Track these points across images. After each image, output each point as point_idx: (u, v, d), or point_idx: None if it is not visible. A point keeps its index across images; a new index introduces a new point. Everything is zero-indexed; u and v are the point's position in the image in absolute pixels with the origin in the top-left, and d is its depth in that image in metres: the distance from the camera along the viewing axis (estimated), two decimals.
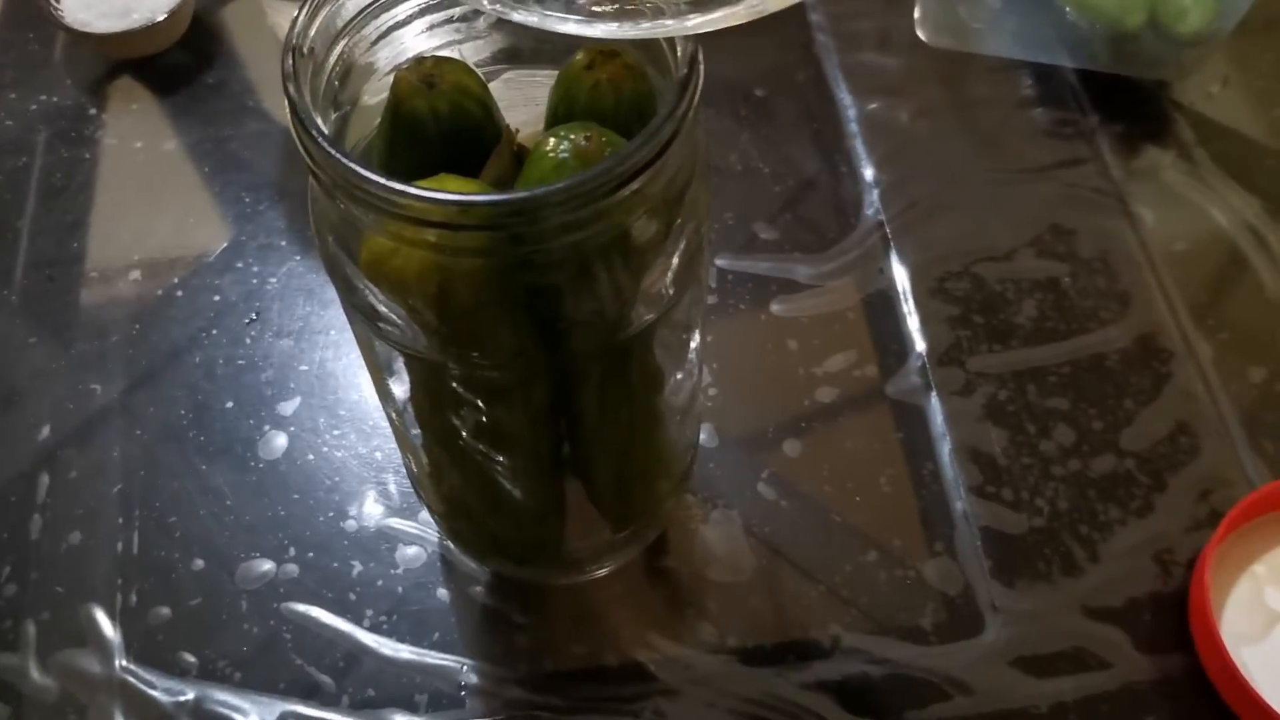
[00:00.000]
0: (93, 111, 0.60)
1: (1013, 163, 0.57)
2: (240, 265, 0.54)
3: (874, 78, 0.60)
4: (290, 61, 0.26)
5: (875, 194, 0.56)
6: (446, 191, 0.25)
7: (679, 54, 0.27)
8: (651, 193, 0.27)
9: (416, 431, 0.37)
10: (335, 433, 0.49)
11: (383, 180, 0.24)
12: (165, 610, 0.45)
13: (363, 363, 0.50)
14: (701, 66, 0.27)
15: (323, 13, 0.28)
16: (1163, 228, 0.55)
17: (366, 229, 0.27)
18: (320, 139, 0.25)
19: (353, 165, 0.25)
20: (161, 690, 0.43)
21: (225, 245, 0.54)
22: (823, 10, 0.63)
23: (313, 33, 0.28)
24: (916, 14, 0.61)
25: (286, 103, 0.26)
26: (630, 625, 0.44)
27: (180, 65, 0.61)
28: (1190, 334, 0.51)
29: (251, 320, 0.52)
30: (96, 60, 0.61)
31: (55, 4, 0.59)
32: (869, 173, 0.57)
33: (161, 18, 0.58)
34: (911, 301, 0.52)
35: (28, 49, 0.63)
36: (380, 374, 0.36)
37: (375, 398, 0.50)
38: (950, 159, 0.57)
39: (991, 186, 0.56)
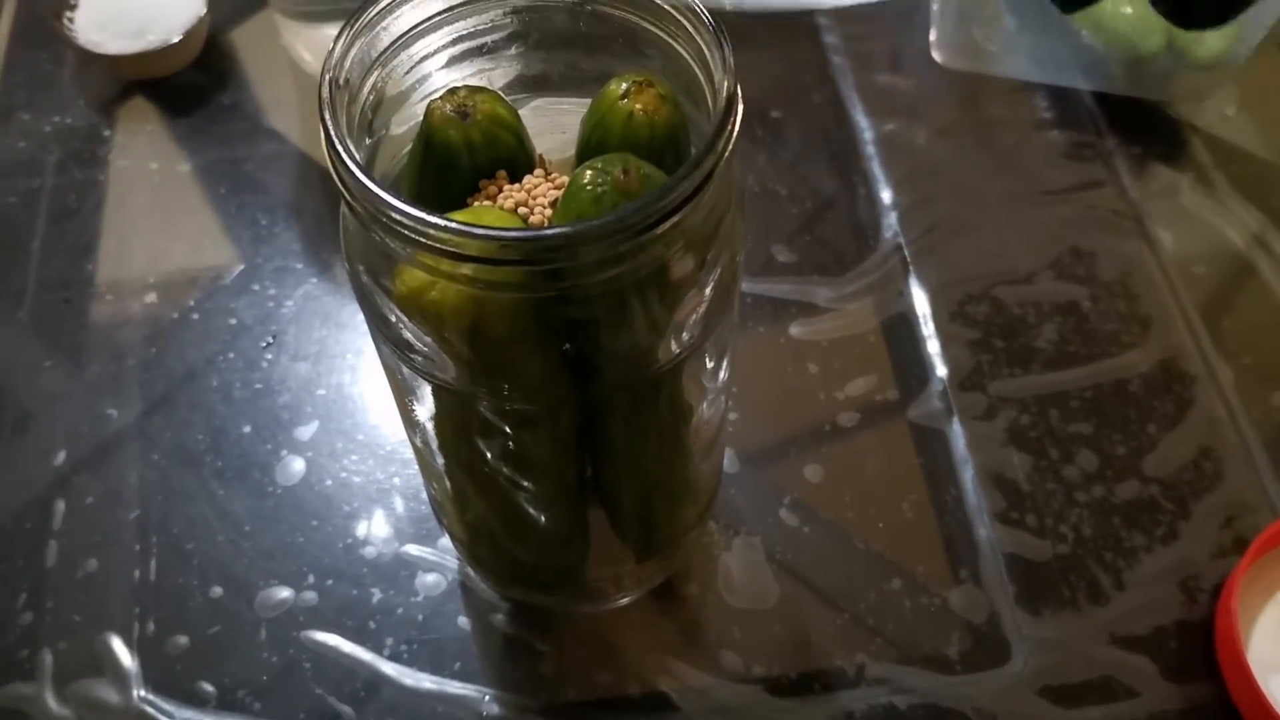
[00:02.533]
0: (106, 132, 0.59)
1: (1031, 185, 0.57)
2: (256, 288, 0.54)
3: (890, 99, 0.60)
4: (327, 92, 0.26)
5: (893, 216, 0.56)
6: (486, 226, 0.24)
7: (717, 86, 0.27)
8: (691, 226, 0.27)
9: (441, 459, 0.37)
10: (353, 458, 0.49)
11: (421, 214, 0.24)
12: (183, 639, 0.44)
13: (380, 387, 0.50)
14: (740, 100, 0.27)
15: (359, 43, 0.28)
16: (1182, 250, 0.54)
17: (401, 261, 0.27)
18: (357, 170, 0.25)
19: (391, 198, 0.25)
20: None
21: (241, 267, 0.54)
22: (838, 31, 0.63)
23: (348, 63, 0.27)
24: (932, 35, 0.61)
25: (323, 134, 0.26)
26: (653, 654, 0.44)
27: (194, 86, 0.61)
28: (1211, 358, 0.51)
29: (268, 344, 0.52)
30: (109, 80, 0.61)
31: (68, 24, 0.59)
32: (887, 194, 0.56)
33: (176, 39, 0.58)
34: (932, 325, 0.52)
35: (40, 69, 0.62)
36: (406, 401, 0.35)
37: (393, 423, 0.49)
38: (968, 181, 0.57)
39: (1010, 209, 0.56)
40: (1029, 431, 0.49)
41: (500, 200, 0.29)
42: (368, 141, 0.31)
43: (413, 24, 0.30)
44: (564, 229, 0.24)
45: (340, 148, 0.25)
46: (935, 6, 0.61)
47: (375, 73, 0.29)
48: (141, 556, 0.46)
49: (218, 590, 0.45)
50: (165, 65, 0.60)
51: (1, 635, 0.44)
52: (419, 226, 0.24)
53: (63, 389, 0.51)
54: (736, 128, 0.26)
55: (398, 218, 0.24)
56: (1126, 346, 0.51)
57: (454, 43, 0.31)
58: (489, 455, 0.35)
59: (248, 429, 0.49)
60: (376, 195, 0.25)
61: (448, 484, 0.39)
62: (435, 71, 0.32)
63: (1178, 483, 0.48)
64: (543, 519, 0.38)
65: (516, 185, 0.29)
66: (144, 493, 0.48)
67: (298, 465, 0.48)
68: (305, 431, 0.49)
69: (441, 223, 0.24)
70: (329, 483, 0.48)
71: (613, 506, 0.38)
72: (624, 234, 0.25)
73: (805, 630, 0.44)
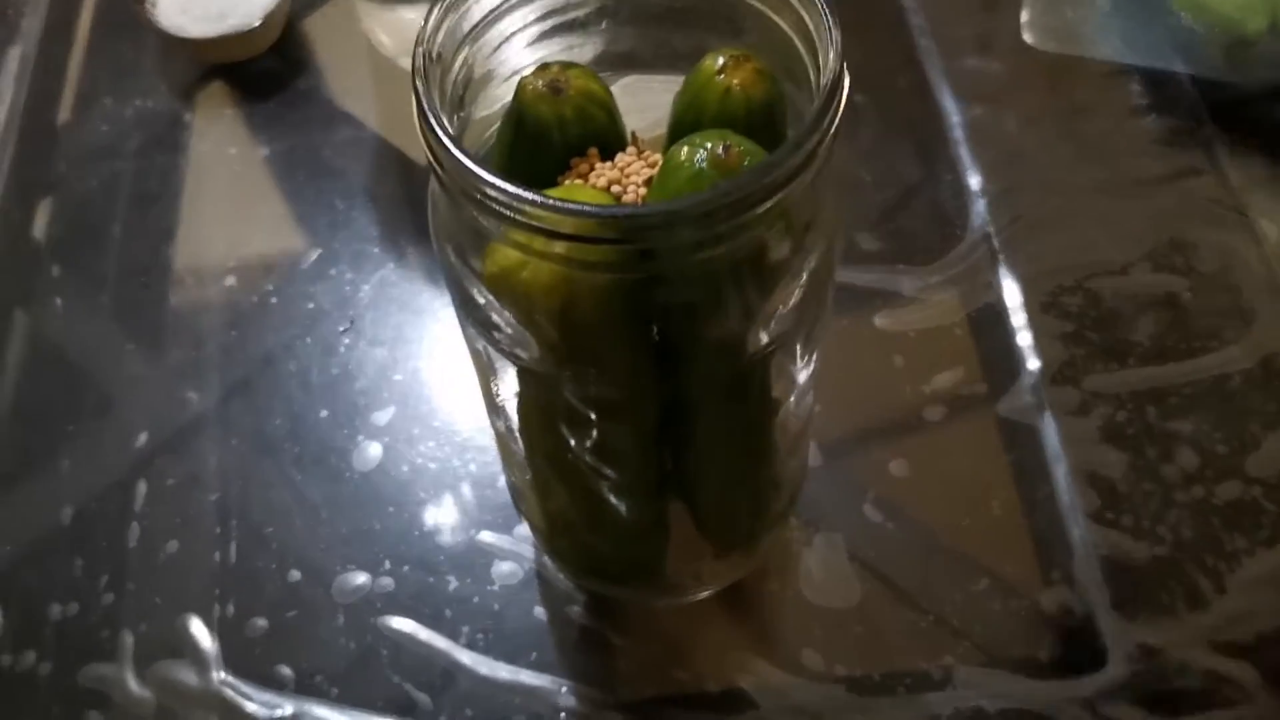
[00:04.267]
0: (186, 117, 0.60)
1: (1126, 173, 0.55)
2: (333, 273, 0.53)
3: (978, 83, 0.58)
4: (421, 62, 0.26)
5: (982, 204, 0.54)
6: (582, 203, 0.23)
7: (823, 61, 0.26)
8: (791, 208, 0.26)
9: (523, 446, 0.37)
10: (429, 444, 0.48)
11: (516, 189, 0.23)
12: (262, 622, 0.44)
13: (456, 373, 0.50)
14: (847, 76, 0.26)
15: (450, 17, 0.27)
16: None
17: (493, 239, 0.26)
18: (450, 144, 0.24)
19: (484, 173, 0.24)
20: (259, 703, 0.42)
21: (319, 252, 0.54)
22: (924, 14, 0.61)
23: (441, 37, 0.27)
24: (1023, 17, 0.59)
25: (415, 106, 0.25)
26: (732, 651, 0.43)
27: (273, 71, 0.61)
28: None
29: (345, 329, 0.52)
30: (189, 65, 0.61)
31: (150, 8, 0.59)
32: (975, 182, 0.55)
33: (256, 23, 0.58)
34: (1022, 317, 0.50)
35: (122, 53, 0.63)
36: (490, 385, 0.35)
37: (469, 409, 0.49)
38: (1060, 168, 0.55)
39: (1104, 197, 0.54)
40: (1125, 429, 0.47)
41: (592, 179, 0.28)
42: (455, 120, 0.30)
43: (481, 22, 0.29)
44: (663, 206, 0.23)
45: (434, 120, 0.25)
46: None
47: (466, 49, 0.29)
48: (221, 539, 0.46)
49: (295, 574, 0.45)
50: (245, 50, 0.60)
51: (83, 616, 0.44)
52: (513, 202, 0.23)
53: (143, 373, 0.51)
54: (843, 105, 0.25)
55: (491, 193, 0.24)
56: (1228, 341, 0.49)
57: (543, 18, 0.30)
58: (571, 443, 0.34)
59: (325, 414, 0.49)
60: (470, 170, 0.24)
61: (528, 472, 0.38)
62: (522, 50, 0.31)
63: None
64: (623, 510, 0.37)
65: (609, 163, 0.28)
66: (223, 476, 0.48)
67: (374, 451, 0.48)
68: (382, 417, 0.49)
69: (537, 198, 0.23)
70: (405, 469, 0.48)
71: (694, 500, 0.37)
72: (724, 212, 0.24)
73: (889, 630, 0.43)
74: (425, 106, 0.25)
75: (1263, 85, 0.56)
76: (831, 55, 0.25)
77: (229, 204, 0.57)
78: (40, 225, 0.56)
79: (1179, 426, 0.47)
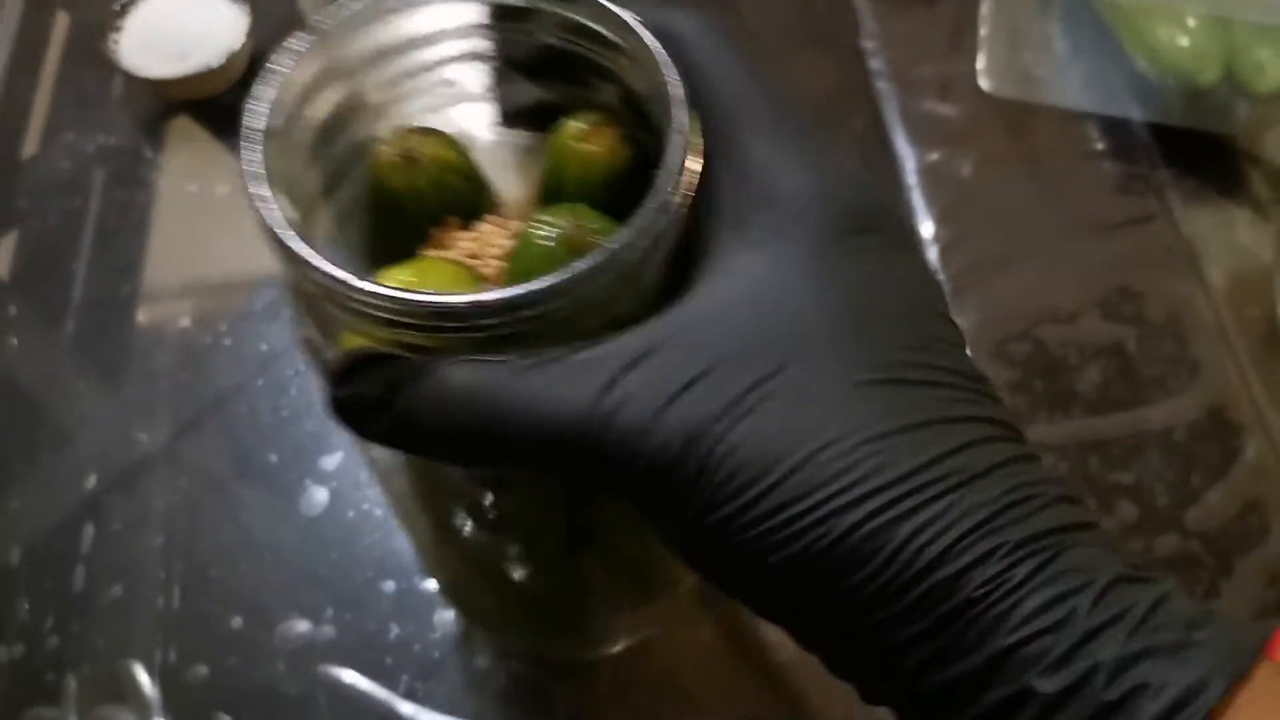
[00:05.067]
0: (149, 154, 0.60)
1: (1079, 219, 0.55)
2: (288, 313, 0.54)
3: (934, 127, 0.58)
4: (253, 153, 0.26)
5: (934, 250, 0.54)
6: (420, 291, 0.23)
7: (670, 146, 0.25)
8: (646, 277, 0.25)
9: (420, 518, 0.37)
10: (376, 489, 0.49)
11: (344, 277, 0.23)
12: (204, 669, 0.45)
13: None
14: (695, 159, 0.25)
15: (275, 85, 0.27)
16: (1236, 291, 0.52)
17: (342, 325, 0.26)
18: (285, 239, 0.24)
19: (314, 259, 0.24)
20: None
21: (274, 293, 0.55)
22: (881, 56, 0.61)
23: (269, 110, 0.27)
24: (980, 62, 0.59)
25: (250, 194, 0.25)
26: (669, 700, 0.43)
27: (236, 107, 0.61)
28: (1263, 407, 0.48)
29: (297, 372, 0.52)
30: (153, 102, 0.62)
31: (113, 46, 0.60)
32: (927, 227, 0.55)
33: (218, 63, 0.59)
34: None
35: (87, 88, 0.63)
36: (372, 462, 0.35)
37: None
38: (1013, 214, 0.55)
39: (1056, 244, 0.54)
40: (1067, 480, 0.47)
41: (452, 249, 0.28)
42: (336, 158, 0.30)
43: (362, 56, 0.29)
44: (500, 295, 0.23)
45: (268, 217, 0.25)
46: (983, 31, 0.59)
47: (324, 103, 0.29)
48: (166, 584, 0.47)
49: (238, 621, 0.46)
50: (208, 87, 0.60)
51: (29, 658, 0.45)
52: (347, 293, 0.23)
53: (97, 411, 0.52)
54: (694, 180, 0.25)
55: (321, 280, 0.23)
56: (1173, 392, 0.49)
57: (410, 75, 0.30)
58: (467, 517, 0.34)
59: (274, 458, 0.50)
60: (299, 257, 0.24)
61: (429, 541, 0.38)
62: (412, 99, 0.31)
63: (1221, 537, 0.45)
64: (529, 576, 0.37)
65: (470, 231, 0.28)
66: (170, 519, 0.48)
67: (321, 495, 0.49)
68: (330, 461, 0.50)
69: (370, 290, 0.23)
70: (351, 514, 0.48)
71: (608, 553, 0.37)
72: (567, 296, 0.24)
73: (822, 680, 0.42)
74: (255, 191, 0.25)
75: (1218, 132, 0.56)
76: (678, 150, 0.25)
77: (188, 241, 0.57)
78: (1, 261, 0.57)
79: (1120, 478, 0.47)
